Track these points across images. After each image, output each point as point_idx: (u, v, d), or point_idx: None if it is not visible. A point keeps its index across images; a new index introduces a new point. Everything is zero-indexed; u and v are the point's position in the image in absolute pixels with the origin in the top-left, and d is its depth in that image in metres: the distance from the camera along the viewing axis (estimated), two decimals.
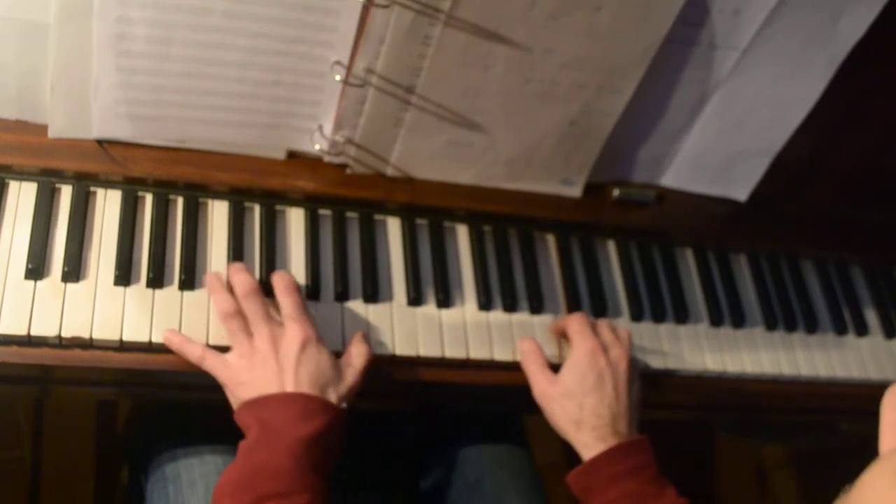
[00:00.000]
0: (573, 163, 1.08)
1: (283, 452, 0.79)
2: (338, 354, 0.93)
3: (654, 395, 1.06)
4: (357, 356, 0.90)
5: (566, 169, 1.09)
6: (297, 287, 0.91)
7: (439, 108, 0.99)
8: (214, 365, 0.87)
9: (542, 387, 0.95)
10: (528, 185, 1.09)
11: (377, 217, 1.04)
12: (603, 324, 0.99)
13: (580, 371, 0.94)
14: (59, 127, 0.93)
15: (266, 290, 0.91)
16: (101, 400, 1.46)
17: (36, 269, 0.88)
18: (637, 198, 1.14)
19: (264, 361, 0.85)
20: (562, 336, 1.01)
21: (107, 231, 0.93)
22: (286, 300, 0.89)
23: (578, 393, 0.93)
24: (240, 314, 0.88)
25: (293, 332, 0.86)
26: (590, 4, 0.92)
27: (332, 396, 0.85)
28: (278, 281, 0.91)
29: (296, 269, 0.97)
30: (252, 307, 0.88)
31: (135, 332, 0.88)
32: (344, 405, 0.86)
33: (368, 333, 0.95)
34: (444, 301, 1.01)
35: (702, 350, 1.09)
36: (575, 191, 1.11)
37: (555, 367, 0.97)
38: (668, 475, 0.91)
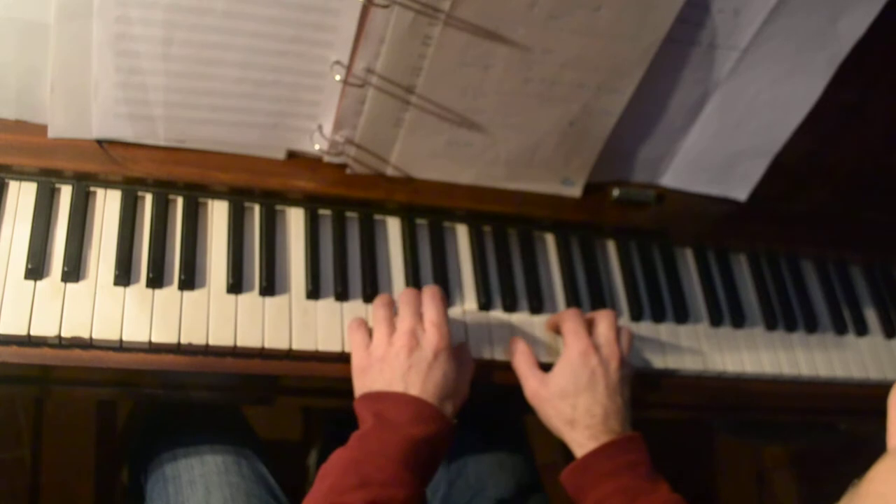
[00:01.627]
0: (573, 163, 1.08)
1: (394, 446, 0.82)
2: (338, 355, 0.94)
3: (654, 395, 1.07)
4: (468, 369, 0.94)
5: (566, 169, 1.09)
6: (444, 298, 0.94)
7: (439, 108, 0.99)
8: (357, 342, 0.92)
9: (534, 387, 0.95)
10: (528, 185, 1.09)
11: (377, 217, 1.04)
12: (602, 318, 0.99)
13: (572, 371, 0.94)
14: (59, 127, 0.93)
15: None
16: (101, 400, 1.46)
17: (36, 269, 0.88)
18: (637, 198, 1.14)
19: (397, 356, 0.88)
20: (556, 332, 1.01)
21: (107, 231, 0.93)
22: (431, 307, 0.92)
23: (571, 393, 0.93)
24: (392, 306, 0.93)
25: (432, 337, 0.90)
26: (590, 4, 0.92)
27: (448, 409, 0.88)
28: (427, 290, 0.94)
29: (295, 269, 0.97)
30: (405, 301, 0.92)
31: (135, 332, 0.88)
32: (455, 421, 0.89)
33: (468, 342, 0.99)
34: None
35: (702, 350, 1.09)
36: (575, 191, 1.11)
37: (551, 366, 0.97)
38: (668, 475, 0.91)
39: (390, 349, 0.89)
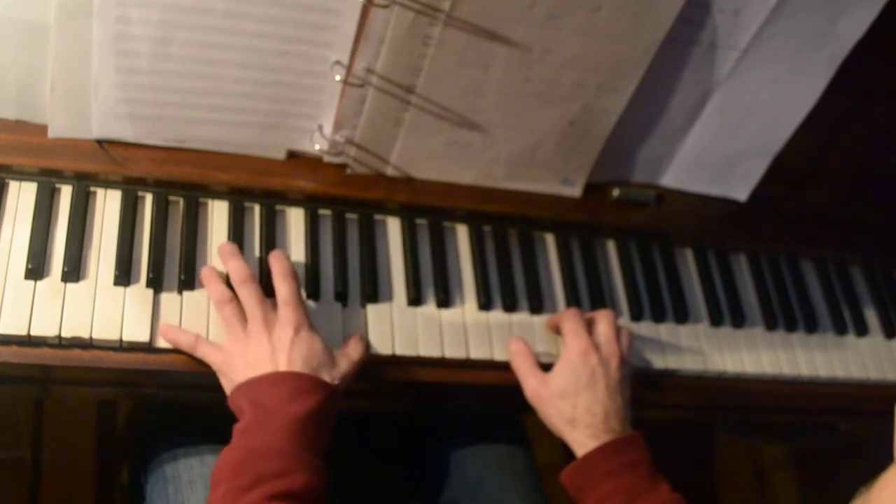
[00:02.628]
0: (573, 163, 1.08)
1: (278, 432, 0.79)
2: None
3: (654, 395, 1.06)
4: (353, 349, 0.91)
5: (566, 169, 1.09)
6: (294, 273, 0.91)
7: (439, 108, 0.99)
8: (207, 351, 0.88)
9: (534, 388, 0.95)
10: (528, 185, 1.09)
11: (377, 217, 1.04)
12: (602, 318, 0.99)
13: (572, 370, 0.94)
14: (59, 127, 0.93)
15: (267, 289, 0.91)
16: (101, 400, 1.46)
17: (36, 269, 0.88)
18: (637, 198, 1.14)
19: (258, 344, 0.86)
20: (556, 332, 1.01)
21: (107, 231, 0.93)
22: (282, 286, 0.89)
23: (571, 392, 0.93)
24: (234, 301, 0.89)
25: (287, 316, 0.87)
26: (590, 4, 0.92)
27: (326, 377, 0.85)
28: (275, 265, 0.91)
29: (296, 270, 0.97)
30: (247, 293, 0.88)
31: (135, 332, 0.88)
32: (337, 383, 0.86)
33: (367, 333, 0.96)
34: (444, 301, 1.01)
35: (702, 350, 1.09)
36: (575, 191, 1.11)
37: (551, 365, 0.97)
38: (668, 475, 0.91)
39: (248, 340, 0.86)
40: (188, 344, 0.88)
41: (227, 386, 0.87)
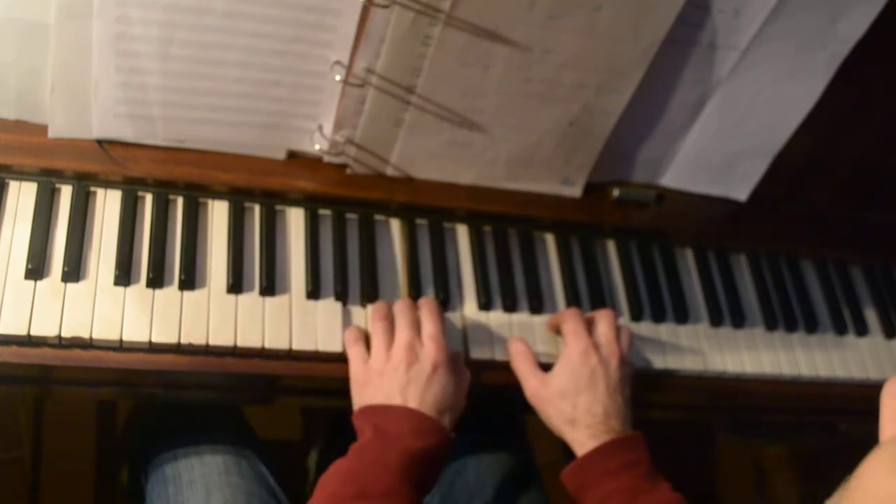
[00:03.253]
0: (573, 163, 1.08)
1: (393, 458, 0.82)
2: (338, 355, 0.94)
3: (654, 395, 1.06)
4: (464, 381, 0.94)
5: (566, 169, 1.09)
6: (440, 311, 0.95)
7: (439, 108, 0.99)
8: (355, 356, 0.92)
9: (534, 388, 0.95)
10: (528, 185, 1.09)
11: (377, 217, 1.04)
12: (602, 318, 0.99)
13: (572, 370, 0.94)
14: (59, 127, 0.93)
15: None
16: (101, 400, 1.46)
17: (36, 269, 0.88)
18: (637, 198, 1.14)
19: (395, 371, 0.89)
20: (557, 332, 1.01)
21: (107, 231, 0.93)
22: (429, 321, 0.93)
23: (571, 392, 0.93)
24: (389, 319, 0.93)
25: (430, 350, 0.90)
26: (590, 4, 0.92)
27: (447, 421, 0.89)
28: (425, 303, 0.95)
29: (296, 269, 0.97)
30: (402, 313, 0.93)
31: (135, 332, 0.88)
32: (453, 434, 0.89)
33: (464, 344, 0.99)
34: (445, 301, 1.01)
35: (702, 350, 1.09)
36: (575, 191, 1.11)
37: (551, 366, 0.97)
38: (668, 475, 0.91)
39: (389, 363, 0.89)
40: (348, 337, 0.93)
41: (355, 399, 0.91)
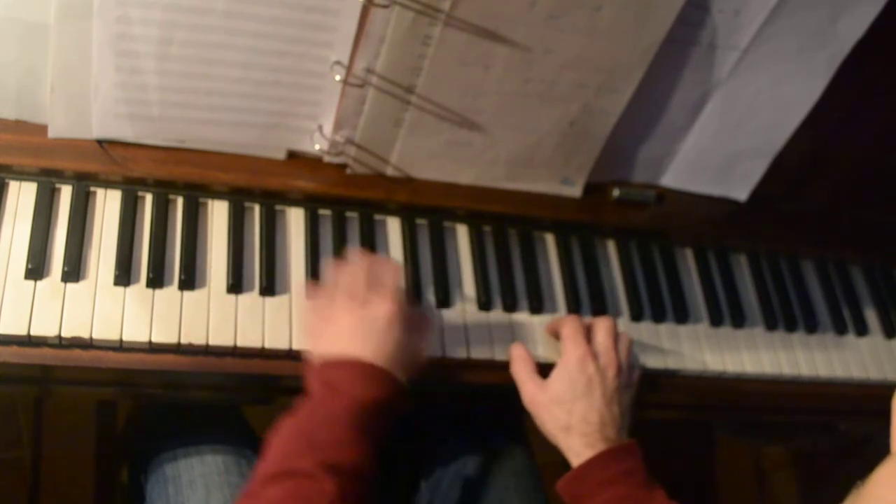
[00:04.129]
0: (573, 163, 1.08)
1: (342, 409, 0.81)
2: None
3: (654, 395, 1.06)
4: (426, 334, 0.93)
5: (566, 169, 1.09)
6: (398, 268, 0.94)
7: (439, 108, 0.99)
8: (312, 307, 0.91)
9: (532, 393, 0.95)
10: (528, 185, 1.09)
11: (377, 217, 1.04)
12: (601, 326, 0.98)
13: (569, 377, 0.94)
14: (59, 127, 0.93)
15: None
16: (101, 400, 1.46)
17: (36, 269, 0.88)
18: (637, 198, 1.14)
19: (350, 324, 0.87)
20: (556, 337, 1.01)
21: (107, 231, 0.93)
22: (387, 276, 0.91)
23: (567, 399, 0.93)
24: (350, 274, 0.91)
25: (385, 304, 0.88)
26: (590, 4, 0.92)
27: (402, 374, 0.87)
28: (381, 259, 0.95)
29: (295, 269, 0.97)
30: (358, 271, 0.91)
31: (135, 332, 0.88)
32: (408, 386, 0.87)
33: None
34: (444, 301, 1.01)
35: (702, 350, 1.09)
36: (575, 191, 1.11)
37: (549, 368, 0.97)
38: (668, 475, 0.91)
39: (344, 317, 0.88)
40: (308, 293, 0.93)
41: (309, 346, 0.90)
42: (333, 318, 0.89)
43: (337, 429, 0.80)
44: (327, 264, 0.94)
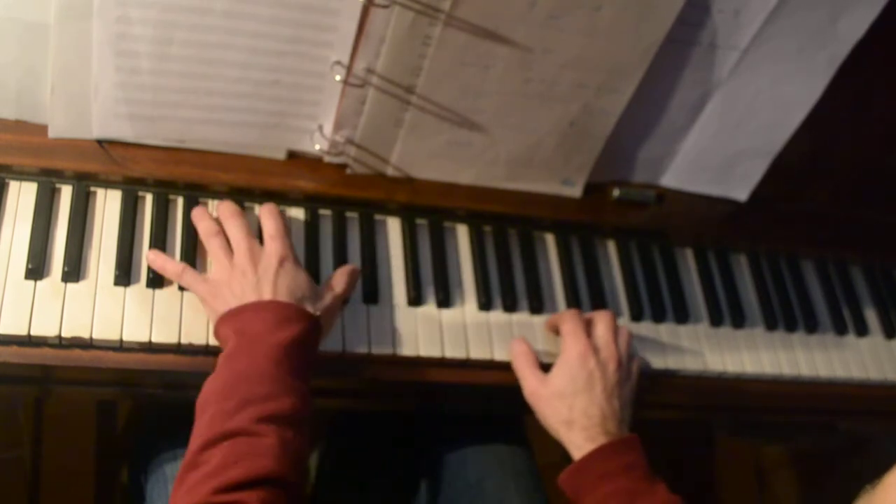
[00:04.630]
0: (573, 163, 1.08)
1: (263, 358, 0.80)
2: (339, 355, 0.94)
3: (654, 395, 1.06)
4: (338, 282, 0.92)
5: (566, 169, 1.09)
6: (279, 213, 0.93)
7: (439, 108, 0.99)
8: (193, 280, 0.89)
9: (533, 387, 0.95)
10: (528, 185, 1.09)
11: (377, 217, 1.04)
12: (600, 320, 0.99)
13: (570, 372, 0.94)
14: (59, 127, 0.93)
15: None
16: (101, 400, 1.46)
17: (36, 269, 0.88)
18: (637, 198, 1.14)
19: (243, 274, 0.87)
20: (556, 332, 1.01)
21: (107, 231, 0.93)
22: (268, 221, 0.91)
23: (568, 394, 0.93)
24: (221, 234, 0.91)
25: (272, 247, 0.89)
26: (590, 4, 0.92)
27: (309, 308, 0.86)
28: (263, 207, 0.94)
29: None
30: (233, 225, 0.91)
31: (135, 332, 0.88)
32: (318, 315, 0.87)
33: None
34: (444, 301, 1.01)
35: (702, 350, 1.09)
36: (575, 191, 1.11)
37: (550, 365, 0.97)
38: (668, 475, 0.91)
39: (234, 271, 0.87)
40: (174, 271, 0.90)
41: (212, 315, 0.88)
42: (222, 279, 0.88)
43: (265, 380, 0.79)
44: (203, 229, 0.92)
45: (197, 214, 0.94)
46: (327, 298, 0.90)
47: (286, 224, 0.93)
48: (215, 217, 0.93)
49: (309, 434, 0.79)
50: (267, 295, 0.85)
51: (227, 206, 0.93)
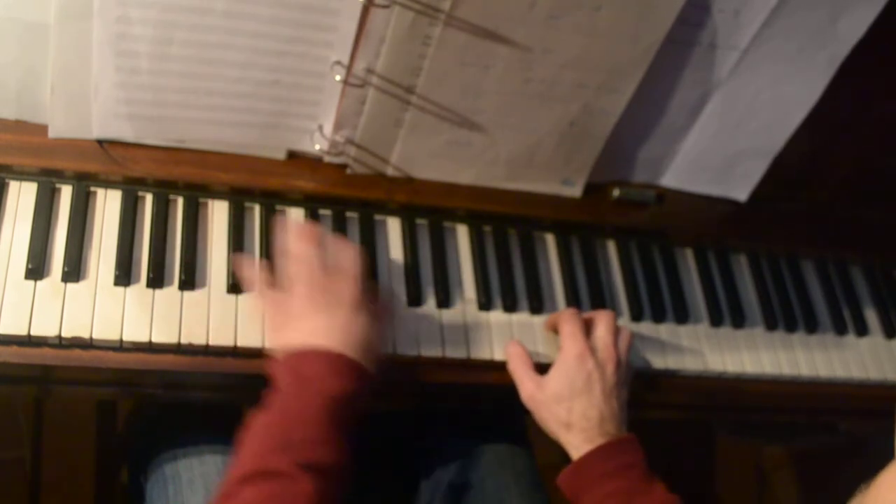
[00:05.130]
0: (573, 163, 1.08)
1: (314, 404, 0.80)
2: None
3: (654, 395, 1.06)
4: (389, 321, 0.94)
5: (566, 169, 1.09)
6: (359, 250, 0.92)
7: (439, 108, 0.99)
8: (271, 301, 0.88)
9: (530, 391, 0.95)
10: (528, 185, 1.09)
11: (377, 217, 1.04)
12: (600, 320, 0.98)
13: (568, 374, 0.94)
14: (59, 127, 0.93)
15: None
16: (101, 400, 1.46)
17: (36, 269, 0.88)
18: (637, 198, 1.14)
19: (315, 310, 0.86)
20: (555, 331, 1.01)
21: (107, 231, 0.93)
22: (346, 259, 0.90)
23: (567, 396, 0.93)
24: (305, 262, 0.88)
25: (347, 290, 0.87)
26: (590, 4, 0.92)
27: (368, 362, 0.85)
28: (339, 240, 0.93)
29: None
30: (314, 256, 0.88)
31: (135, 332, 0.88)
32: (375, 374, 0.86)
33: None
34: (444, 301, 1.01)
35: (702, 350, 1.09)
36: (575, 191, 1.11)
37: (550, 366, 0.97)
38: (667, 475, 0.91)
39: (307, 306, 0.86)
40: (250, 281, 0.90)
41: (271, 337, 0.88)
42: (294, 309, 0.86)
43: (312, 426, 0.79)
44: (280, 248, 0.90)
45: (282, 230, 0.92)
46: (382, 344, 0.90)
47: (364, 261, 0.91)
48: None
49: (343, 489, 0.79)
50: (334, 339, 0.84)
51: (311, 234, 0.90)
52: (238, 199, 0.99)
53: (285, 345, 0.85)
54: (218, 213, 0.98)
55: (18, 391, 1.35)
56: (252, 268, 0.91)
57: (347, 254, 0.90)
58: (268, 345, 0.89)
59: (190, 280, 0.92)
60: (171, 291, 0.92)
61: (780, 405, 1.16)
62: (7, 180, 0.92)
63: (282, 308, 0.87)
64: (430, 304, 1.01)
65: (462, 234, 1.07)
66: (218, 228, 0.97)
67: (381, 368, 0.88)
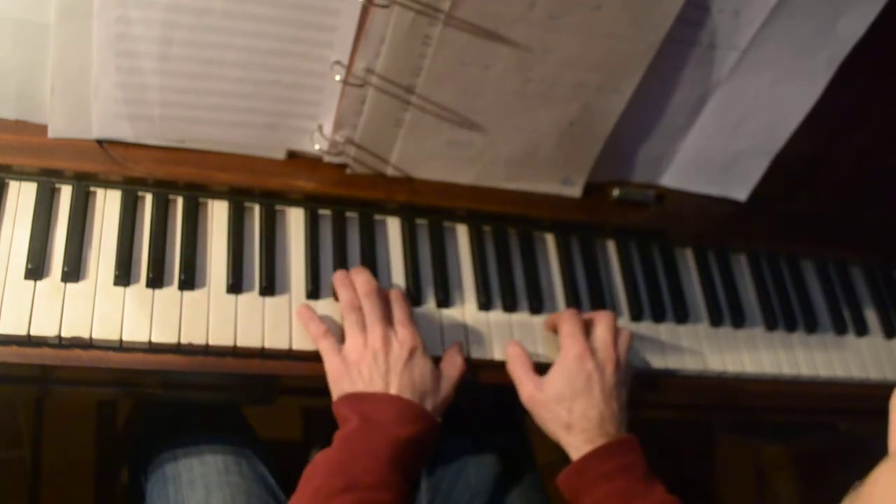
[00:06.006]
0: (573, 163, 1.08)
1: (380, 447, 0.82)
2: None
3: (654, 395, 1.06)
4: (452, 368, 0.94)
5: (566, 169, 1.09)
6: (406, 297, 0.96)
7: (439, 108, 0.99)
8: (329, 349, 0.91)
9: (530, 392, 0.95)
10: (528, 185, 1.09)
11: (377, 217, 1.04)
12: (600, 321, 0.98)
13: (568, 374, 0.94)
14: (59, 127, 0.93)
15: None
16: (101, 400, 1.46)
17: (36, 269, 0.88)
18: (637, 198, 1.14)
19: (374, 359, 0.89)
20: (555, 331, 1.01)
21: (107, 231, 0.93)
22: (398, 308, 0.93)
23: (567, 397, 0.93)
24: (360, 310, 0.92)
25: (404, 337, 0.90)
26: (590, 4, 0.92)
27: (430, 406, 0.89)
28: (391, 291, 0.96)
29: (295, 269, 0.97)
30: (371, 305, 0.92)
31: (135, 332, 0.88)
32: (439, 419, 0.89)
33: (464, 344, 0.98)
34: (444, 301, 1.01)
35: (702, 350, 1.09)
36: (575, 191, 1.11)
37: (549, 366, 0.97)
38: (667, 475, 0.91)
39: (366, 352, 0.89)
40: (315, 333, 0.92)
41: (335, 390, 0.90)
42: (353, 357, 0.89)
43: (376, 467, 0.81)
44: (346, 301, 0.93)
45: (339, 281, 0.95)
46: (444, 390, 0.91)
47: (406, 297, 0.95)
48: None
49: None
50: (394, 386, 0.87)
51: (365, 282, 0.93)
52: (238, 199, 0.99)
53: (347, 390, 0.88)
54: (218, 213, 0.98)
55: (18, 391, 1.35)
56: (315, 317, 0.93)
57: (395, 299, 0.94)
58: (331, 391, 0.91)
59: (190, 280, 0.92)
60: (170, 291, 0.92)
61: (780, 405, 1.16)
62: (7, 180, 0.92)
63: (342, 359, 0.90)
64: (429, 304, 1.01)
65: (462, 234, 1.07)
66: (218, 228, 0.97)
67: (448, 396, 0.91)
